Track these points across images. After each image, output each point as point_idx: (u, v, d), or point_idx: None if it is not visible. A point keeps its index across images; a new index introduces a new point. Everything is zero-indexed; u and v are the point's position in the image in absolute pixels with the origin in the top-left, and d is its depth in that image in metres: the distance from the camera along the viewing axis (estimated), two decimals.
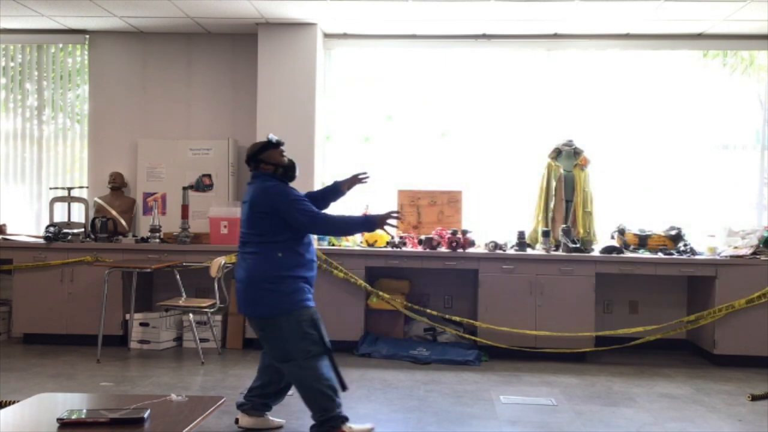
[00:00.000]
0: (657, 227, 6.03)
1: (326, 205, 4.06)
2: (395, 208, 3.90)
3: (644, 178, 6.38)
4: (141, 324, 5.86)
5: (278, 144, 3.81)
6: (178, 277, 5.80)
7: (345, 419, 3.63)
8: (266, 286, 3.59)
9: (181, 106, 6.57)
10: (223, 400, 2.50)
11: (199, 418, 2.24)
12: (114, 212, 6.30)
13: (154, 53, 6.59)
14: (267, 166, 3.75)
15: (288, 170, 3.80)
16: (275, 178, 3.74)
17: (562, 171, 6.06)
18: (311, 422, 3.66)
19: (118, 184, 6.41)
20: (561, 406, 4.40)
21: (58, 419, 2.16)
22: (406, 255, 5.80)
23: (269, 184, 3.70)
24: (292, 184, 3.82)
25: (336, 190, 4.04)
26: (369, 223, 3.82)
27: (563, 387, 4.85)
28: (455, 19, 5.84)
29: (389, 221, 3.77)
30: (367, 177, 4.04)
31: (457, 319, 5.84)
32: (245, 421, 3.83)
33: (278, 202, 3.63)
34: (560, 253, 5.75)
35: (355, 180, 4.02)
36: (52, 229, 6.03)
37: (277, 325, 3.60)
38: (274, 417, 3.93)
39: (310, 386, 3.59)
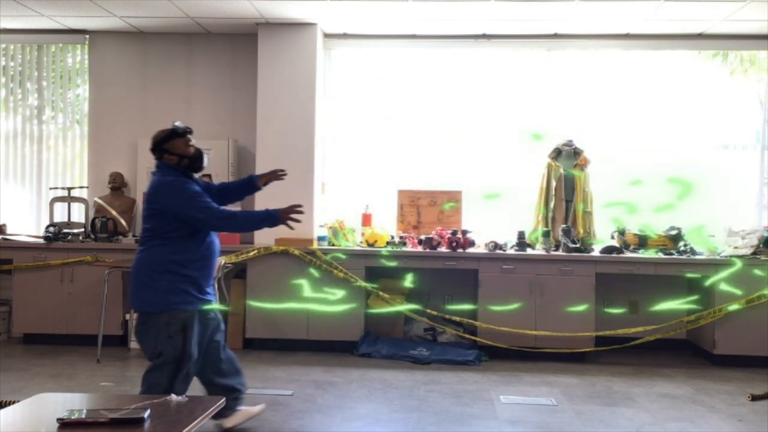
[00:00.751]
0: (657, 227, 6.03)
1: (239, 198, 3.95)
2: (298, 203, 3.70)
3: (644, 177, 6.36)
4: None
5: (184, 132, 3.58)
6: None
7: None
8: (144, 280, 3.53)
9: (181, 106, 6.57)
10: (222, 400, 2.50)
11: (199, 418, 2.24)
12: (114, 212, 6.30)
13: (154, 53, 6.58)
14: (171, 156, 3.55)
15: (193, 161, 3.61)
16: (178, 170, 3.57)
17: (562, 171, 6.06)
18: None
19: (118, 184, 6.41)
20: (561, 406, 4.40)
21: (58, 419, 2.15)
22: (406, 255, 5.81)
23: (166, 180, 3.54)
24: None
25: (251, 184, 3.92)
26: (271, 217, 3.64)
27: (563, 387, 4.85)
28: (455, 19, 5.84)
29: (292, 215, 3.61)
30: (284, 174, 3.91)
31: (457, 319, 5.84)
32: (228, 422, 3.78)
33: (172, 200, 3.48)
34: (560, 253, 5.75)
35: (272, 175, 3.89)
36: (52, 229, 6.04)
37: (147, 321, 3.54)
38: (251, 407, 3.89)
39: (153, 385, 3.46)
